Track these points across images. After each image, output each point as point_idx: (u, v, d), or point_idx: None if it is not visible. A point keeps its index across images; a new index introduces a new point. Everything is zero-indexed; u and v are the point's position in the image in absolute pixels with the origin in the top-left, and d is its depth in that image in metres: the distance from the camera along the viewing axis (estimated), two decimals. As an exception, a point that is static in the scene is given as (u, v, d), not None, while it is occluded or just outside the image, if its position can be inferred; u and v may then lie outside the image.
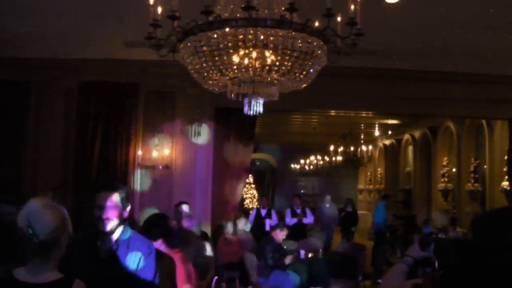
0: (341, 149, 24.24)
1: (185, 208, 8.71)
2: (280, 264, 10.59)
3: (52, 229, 3.07)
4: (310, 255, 11.41)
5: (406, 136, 24.20)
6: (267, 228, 13.89)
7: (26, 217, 3.02)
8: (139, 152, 12.15)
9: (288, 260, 10.79)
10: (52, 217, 3.11)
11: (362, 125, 23.32)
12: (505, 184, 15.31)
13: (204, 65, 4.58)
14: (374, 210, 19.04)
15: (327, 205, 18.06)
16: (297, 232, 13.93)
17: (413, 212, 22.21)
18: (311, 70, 4.74)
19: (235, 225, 12.19)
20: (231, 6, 4.59)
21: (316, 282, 10.86)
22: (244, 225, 12.33)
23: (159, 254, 4.48)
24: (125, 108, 12.28)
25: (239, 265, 10.66)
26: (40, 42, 10.87)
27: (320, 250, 11.79)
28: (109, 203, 4.02)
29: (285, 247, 11.42)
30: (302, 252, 11.30)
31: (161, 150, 12.16)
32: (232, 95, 5.07)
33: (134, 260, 4.02)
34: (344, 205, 19.13)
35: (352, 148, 23.78)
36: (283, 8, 4.43)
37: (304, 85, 4.98)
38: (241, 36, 4.39)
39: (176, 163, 12.24)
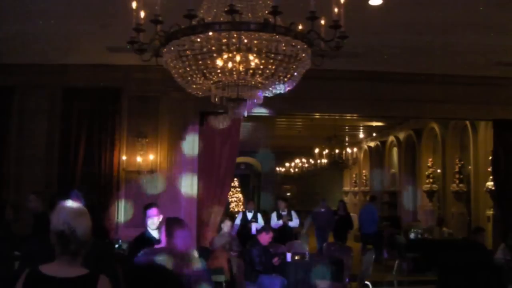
0: (326, 151, 24.27)
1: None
2: (268, 267, 10.58)
3: (89, 231, 3.36)
4: (296, 257, 11.40)
5: (391, 138, 24.28)
6: (254, 231, 13.89)
7: (67, 221, 3.26)
8: (124, 157, 12.11)
9: (275, 262, 10.78)
10: (88, 219, 3.39)
11: (347, 127, 23.40)
12: (489, 184, 15.38)
13: (188, 69, 4.55)
14: (362, 212, 18.96)
15: (322, 210, 18.05)
16: (284, 235, 13.94)
17: (398, 213, 22.31)
18: (295, 73, 4.73)
19: (220, 228, 12.21)
20: (214, 10, 4.56)
21: (303, 284, 10.86)
22: (229, 228, 12.32)
23: None
24: (109, 112, 12.24)
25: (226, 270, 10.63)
26: (23, 47, 10.82)
27: (307, 253, 11.77)
28: None
29: (271, 250, 11.42)
30: (289, 255, 11.29)
31: (145, 155, 12.11)
32: (216, 99, 5.04)
33: None
34: (337, 208, 19.11)
35: (337, 151, 23.81)
36: (266, 12, 4.41)
37: (289, 89, 4.96)
38: (224, 40, 4.36)
39: (161, 167, 12.21)
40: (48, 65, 11.82)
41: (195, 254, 5.56)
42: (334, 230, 17.92)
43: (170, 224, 5.16)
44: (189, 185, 12.24)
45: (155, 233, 7.31)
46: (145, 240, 7.18)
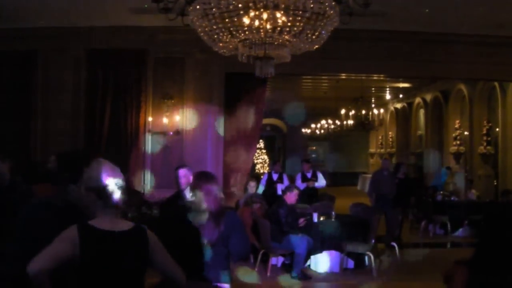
0: (352, 112, 24.10)
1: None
2: (294, 227, 10.61)
3: (125, 184, 3.48)
4: (322, 218, 11.41)
5: (418, 100, 24.05)
6: (279, 192, 13.90)
7: (109, 174, 3.40)
8: (150, 119, 12.12)
9: (301, 223, 10.81)
10: (120, 173, 3.49)
11: (373, 88, 23.18)
12: (518, 146, 15.22)
13: (214, 27, 4.51)
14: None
15: (385, 173, 14.98)
16: (309, 196, 13.94)
17: (424, 175, 22.17)
18: (323, 31, 4.66)
19: (245, 190, 12.26)
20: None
21: (329, 245, 10.89)
22: (253, 188, 12.36)
23: None
24: (134, 75, 12.23)
25: (252, 231, 10.70)
26: (45, 11, 10.78)
27: (333, 213, 11.76)
28: None
29: (297, 210, 11.44)
30: (315, 215, 11.30)
31: (171, 116, 12.12)
32: (243, 58, 4.99)
33: None
34: (394, 170, 15.80)
35: (363, 112, 23.63)
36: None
37: (316, 47, 4.90)
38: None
39: (187, 129, 12.21)
40: (71, 27, 11.78)
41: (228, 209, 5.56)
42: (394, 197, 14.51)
43: (197, 179, 5.12)
44: (214, 146, 12.25)
45: (187, 193, 7.32)
46: (178, 199, 7.20)
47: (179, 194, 7.53)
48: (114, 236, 3.32)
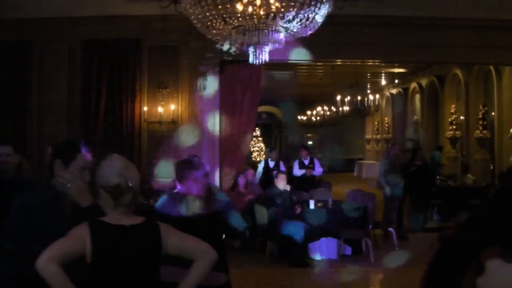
0: (348, 98, 24.12)
1: None
2: (291, 213, 10.63)
3: (139, 181, 3.44)
4: (319, 204, 11.43)
5: (413, 85, 24.05)
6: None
7: (120, 172, 3.33)
8: (145, 108, 12.09)
9: (297, 210, 10.82)
10: (136, 170, 3.46)
11: (369, 74, 23.18)
12: (514, 130, 15.23)
13: (207, 14, 4.47)
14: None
15: (394, 160, 13.82)
16: (306, 183, 13.97)
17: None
18: (317, 17, 4.63)
19: (243, 177, 12.27)
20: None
21: (326, 231, 10.90)
22: (252, 176, 12.38)
23: None
24: (129, 64, 12.18)
25: (249, 216, 10.76)
26: (40, 1, 10.73)
27: (330, 200, 11.79)
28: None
29: (294, 197, 11.47)
30: (312, 202, 11.32)
31: (166, 105, 12.09)
32: (237, 45, 4.96)
33: None
34: (412, 157, 14.69)
35: (359, 98, 23.64)
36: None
37: (310, 32, 4.86)
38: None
39: (183, 117, 12.18)
40: (66, 17, 11.70)
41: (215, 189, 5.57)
42: (409, 184, 13.47)
43: (181, 168, 5.08)
44: (210, 135, 12.23)
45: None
46: None
47: None
48: (126, 230, 3.30)
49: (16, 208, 3.81)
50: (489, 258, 2.61)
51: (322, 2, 4.44)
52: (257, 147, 31.30)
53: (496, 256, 2.60)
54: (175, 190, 5.12)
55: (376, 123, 30.33)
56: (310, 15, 4.52)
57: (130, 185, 3.34)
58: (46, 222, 3.69)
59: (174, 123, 12.08)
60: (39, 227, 3.69)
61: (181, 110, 12.20)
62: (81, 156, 4.00)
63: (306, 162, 14.80)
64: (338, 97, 24.43)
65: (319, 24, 4.73)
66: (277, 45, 4.97)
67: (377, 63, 17.17)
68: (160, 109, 12.04)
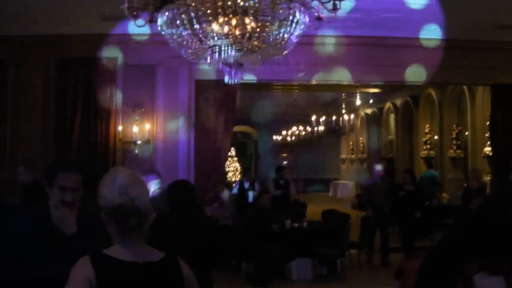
0: (323, 118, 24.22)
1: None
2: (266, 234, 10.62)
3: (149, 200, 2.88)
4: (296, 225, 11.45)
5: (388, 105, 24.23)
6: (250, 199, 13.90)
7: (124, 190, 2.76)
8: (120, 128, 12.03)
9: (274, 229, 10.82)
10: (146, 186, 2.93)
11: (344, 94, 23.30)
12: (487, 150, 15.37)
13: (183, 34, 4.47)
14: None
15: (378, 181, 13.64)
16: (281, 203, 13.97)
17: (396, 179, 22.30)
18: (293, 37, 4.65)
19: (218, 197, 12.25)
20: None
21: (301, 251, 10.90)
22: (227, 197, 12.36)
23: None
24: (104, 83, 12.12)
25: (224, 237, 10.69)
26: (15, 18, 10.66)
27: (304, 220, 11.81)
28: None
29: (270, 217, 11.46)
30: (287, 222, 11.33)
31: (141, 124, 12.04)
32: (212, 65, 4.97)
33: None
34: (402, 181, 14.14)
35: (334, 118, 23.76)
36: (262, -27, 4.33)
37: (285, 52, 4.88)
38: (220, 3, 4.28)
39: (158, 137, 12.14)
40: (41, 36, 11.64)
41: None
42: (396, 209, 13.11)
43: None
44: (186, 155, 12.19)
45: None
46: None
47: None
48: (139, 269, 2.74)
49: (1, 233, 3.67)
50: (475, 272, 2.59)
51: (297, 23, 4.47)
52: (232, 167, 31.29)
53: (482, 269, 2.58)
54: None
55: (351, 143, 30.48)
56: (285, 35, 4.54)
57: (136, 205, 2.76)
58: (32, 248, 3.52)
59: (149, 143, 12.03)
60: (25, 252, 3.52)
61: (156, 129, 12.16)
62: (62, 175, 3.80)
63: (282, 182, 14.82)
64: (313, 117, 24.53)
65: (294, 44, 4.75)
66: (252, 65, 4.98)
67: (351, 83, 17.26)
68: (135, 129, 11.98)
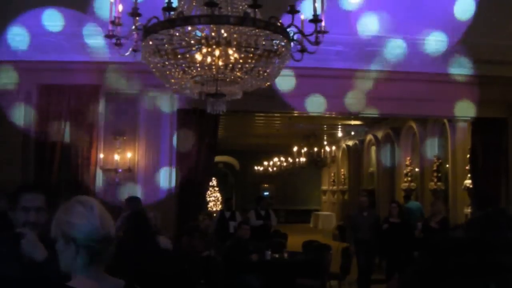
0: (304, 150, 24.28)
1: None
2: (246, 265, 10.56)
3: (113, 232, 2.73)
4: (276, 255, 11.40)
5: (369, 137, 24.31)
6: (231, 230, 13.85)
7: (104, 222, 2.64)
8: (101, 155, 11.98)
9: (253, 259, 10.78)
10: (109, 214, 2.75)
11: (325, 126, 23.40)
12: (467, 182, 15.45)
13: (166, 63, 4.49)
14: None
15: (365, 214, 13.29)
16: (262, 234, 13.92)
17: (377, 212, 22.32)
18: (275, 69, 4.69)
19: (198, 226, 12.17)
20: (194, 3, 4.51)
21: (281, 282, 10.84)
22: (207, 227, 12.29)
23: None
24: (86, 110, 12.08)
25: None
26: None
27: (285, 251, 11.77)
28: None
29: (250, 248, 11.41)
30: (268, 253, 11.28)
31: (123, 153, 12.00)
32: (195, 95, 4.99)
33: None
34: (389, 213, 13.34)
35: (315, 149, 23.83)
36: (246, 5, 4.37)
37: (268, 84, 4.92)
38: (203, 34, 4.31)
39: (139, 166, 12.10)
40: (23, 61, 11.61)
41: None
42: (382, 243, 12.58)
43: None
44: (167, 183, 12.15)
45: None
46: None
47: None
48: None
49: None
50: None
51: (279, 55, 4.51)
52: (213, 197, 31.21)
53: None
54: None
55: (332, 174, 30.48)
56: (267, 67, 4.58)
57: (112, 235, 2.67)
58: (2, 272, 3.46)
59: (130, 171, 11.99)
60: None
61: (137, 158, 12.13)
62: (26, 195, 3.80)
63: (263, 212, 14.79)
64: (295, 148, 24.59)
65: (277, 76, 4.79)
66: (235, 95, 5.01)
67: (333, 115, 17.36)
68: (116, 157, 11.94)
